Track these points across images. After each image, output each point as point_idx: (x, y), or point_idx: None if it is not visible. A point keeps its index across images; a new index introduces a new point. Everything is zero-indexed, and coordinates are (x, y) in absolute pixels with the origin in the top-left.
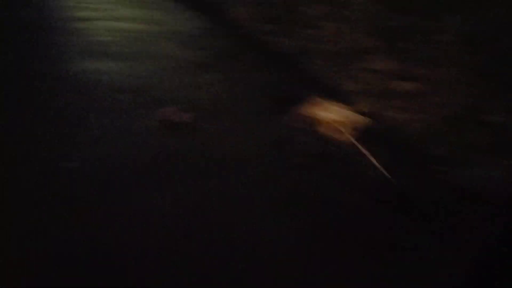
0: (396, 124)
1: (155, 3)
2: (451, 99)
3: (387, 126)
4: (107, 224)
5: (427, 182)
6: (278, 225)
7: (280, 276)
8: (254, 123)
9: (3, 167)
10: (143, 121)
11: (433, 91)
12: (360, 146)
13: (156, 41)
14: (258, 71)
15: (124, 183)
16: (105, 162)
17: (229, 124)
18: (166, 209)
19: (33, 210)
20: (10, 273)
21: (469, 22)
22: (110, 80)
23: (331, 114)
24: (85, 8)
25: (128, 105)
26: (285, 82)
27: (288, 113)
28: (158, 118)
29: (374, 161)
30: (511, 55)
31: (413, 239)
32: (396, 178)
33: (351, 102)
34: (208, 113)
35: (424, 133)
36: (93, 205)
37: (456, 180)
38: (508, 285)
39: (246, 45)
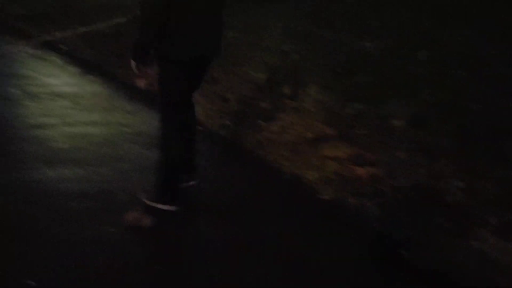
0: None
1: (117, 106)
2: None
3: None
4: None
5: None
6: None
7: None
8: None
9: None
10: (104, 228)
11: (388, 174)
12: None
13: (118, 144)
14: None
15: None
16: (64, 278)
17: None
18: None
19: None
20: None
21: (411, 105)
22: (69, 187)
23: None
24: (40, 114)
25: (89, 213)
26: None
27: None
28: (123, 224)
29: None
30: (457, 133)
31: None
32: None
33: (315, 191)
34: (174, 218)
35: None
36: None
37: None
38: None
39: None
